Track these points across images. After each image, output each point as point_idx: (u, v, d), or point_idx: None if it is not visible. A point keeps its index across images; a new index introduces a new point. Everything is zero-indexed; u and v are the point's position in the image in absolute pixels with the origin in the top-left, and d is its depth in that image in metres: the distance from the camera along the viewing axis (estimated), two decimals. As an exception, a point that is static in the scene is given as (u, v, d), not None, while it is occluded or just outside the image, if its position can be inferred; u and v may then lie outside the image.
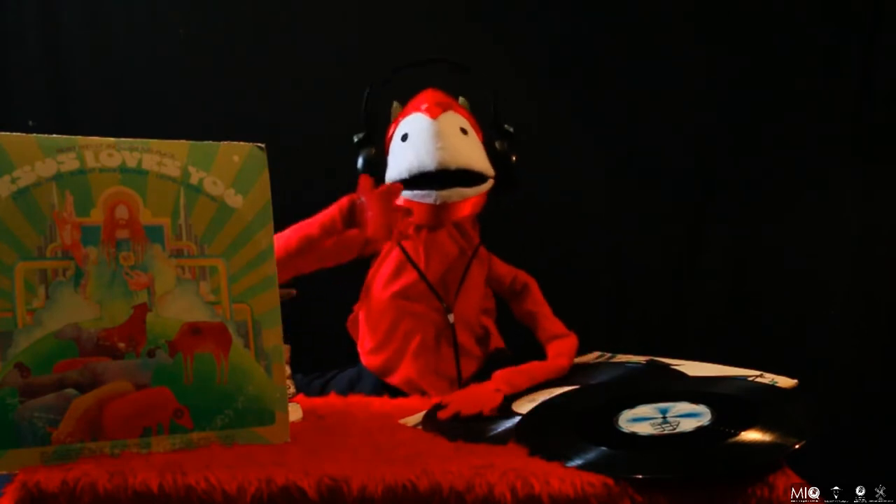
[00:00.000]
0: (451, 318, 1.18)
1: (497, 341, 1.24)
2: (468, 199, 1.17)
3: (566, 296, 1.25)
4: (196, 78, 1.52)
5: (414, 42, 1.52)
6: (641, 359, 1.16)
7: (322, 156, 1.48)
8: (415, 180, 1.14)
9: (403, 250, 1.19)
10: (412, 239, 1.19)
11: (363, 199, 1.11)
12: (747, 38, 1.56)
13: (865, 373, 1.53)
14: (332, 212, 1.13)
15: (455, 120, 1.17)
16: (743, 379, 0.97)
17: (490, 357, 1.21)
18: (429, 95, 1.21)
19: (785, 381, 0.96)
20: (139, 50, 1.51)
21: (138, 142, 0.84)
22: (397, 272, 1.19)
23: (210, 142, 0.86)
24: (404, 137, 1.17)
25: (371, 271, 1.23)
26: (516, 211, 1.39)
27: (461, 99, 1.24)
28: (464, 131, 1.17)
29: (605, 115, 1.56)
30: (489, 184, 1.19)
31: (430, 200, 1.15)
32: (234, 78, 1.52)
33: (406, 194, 1.15)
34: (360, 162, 1.21)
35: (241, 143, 0.87)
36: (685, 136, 1.56)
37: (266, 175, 0.88)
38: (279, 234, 1.16)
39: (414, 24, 1.54)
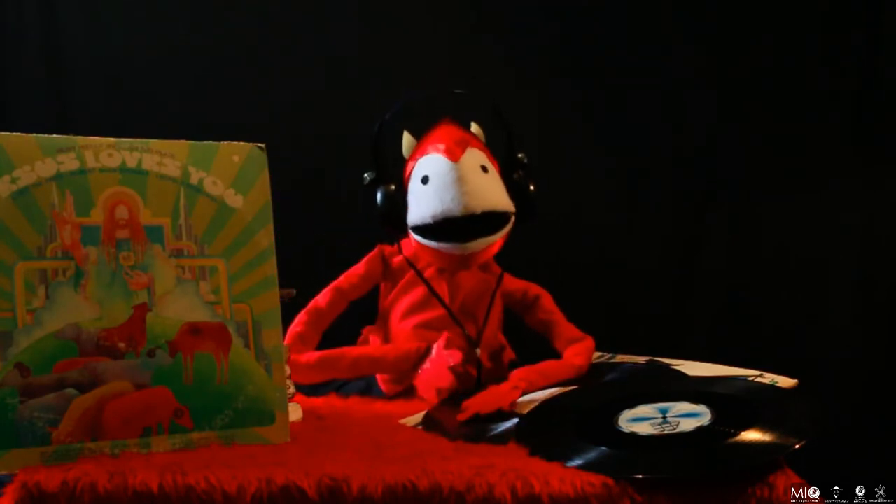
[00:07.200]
0: (478, 352, 1.14)
1: (510, 354, 1.23)
2: (493, 244, 1.16)
3: (566, 296, 1.25)
4: (196, 78, 1.52)
5: (415, 42, 1.52)
6: (641, 359, 1.16)
7: (322, 156, 1.48)
8: (440, 225, 1.12)
9: (427, 284, 1.17)
10: (436, 275, 1.18)
11: (433, 352, 1.12)
12: (747, 37, 1.56)
13: (865, 373, 1.53)
14: (409, 349, 1.14)
15: (474, 159, 1.14)
16: (743, 379, 0.97)
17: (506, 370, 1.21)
18: (446, 133, 1.16)
19: (785, 381, 0.96)
20: (139, 50, 1.51)
21: (138, 142, 0.84)
22: (422, 305, 1.17)
23: (210, 142, 0.86)
24: (425, 180, 1.13)
25: (388, 298, 1.22)
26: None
27: (474, 126, 1.20)
28: (484, 169, 1.14)
29: (606, 114, 1.56)
30: (511, 224, 1.17)
31: (457, 252, 1.14)
32: (234, 78, 1.52)
33: (431, 244, 1.14)
34: (379, 198, 1.16)
35: (241, 143, 0.87)
36: (685, 135, 1.56)
37: (266, 175, 0.88)
38: (356, 350, 1.17)
39: (415, 24, 1.54)
